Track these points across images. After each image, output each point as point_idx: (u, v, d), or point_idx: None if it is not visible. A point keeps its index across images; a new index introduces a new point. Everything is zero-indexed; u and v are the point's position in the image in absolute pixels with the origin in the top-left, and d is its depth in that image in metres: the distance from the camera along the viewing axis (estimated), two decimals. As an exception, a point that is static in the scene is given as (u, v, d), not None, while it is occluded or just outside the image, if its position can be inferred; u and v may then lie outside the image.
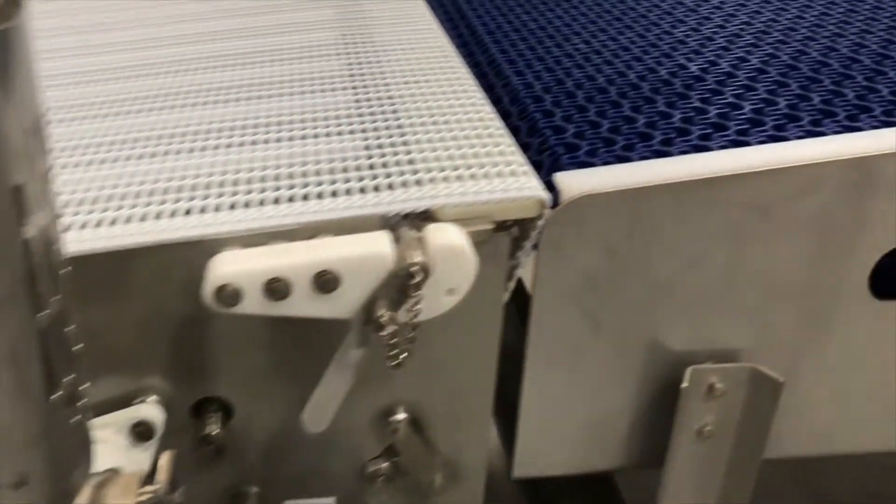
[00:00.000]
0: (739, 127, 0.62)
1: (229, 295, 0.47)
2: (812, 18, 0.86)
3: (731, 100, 0.68)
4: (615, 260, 0.56)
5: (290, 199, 0.54)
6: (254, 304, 0.48)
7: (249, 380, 0.55)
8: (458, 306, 0.52)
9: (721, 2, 0.93)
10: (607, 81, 0.74)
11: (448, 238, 0.49)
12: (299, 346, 0.54)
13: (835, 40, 0.78)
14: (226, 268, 0.48)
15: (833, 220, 0.57)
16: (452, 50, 0.83)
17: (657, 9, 0.94)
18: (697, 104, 0.67)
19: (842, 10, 0.87)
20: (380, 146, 0.63)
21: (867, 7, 0.87)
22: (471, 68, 0.83)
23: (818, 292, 0.59)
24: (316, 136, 0.66)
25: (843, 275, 0.59)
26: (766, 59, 0.76)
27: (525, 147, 0.64)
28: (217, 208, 0.54)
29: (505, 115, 0.71)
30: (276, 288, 0.48)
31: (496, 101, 0.74)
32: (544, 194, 0.53)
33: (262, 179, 0.57)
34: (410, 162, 0.59)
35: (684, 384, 0.58)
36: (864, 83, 0.69)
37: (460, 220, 0.52)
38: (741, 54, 0.78)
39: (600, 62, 0.79)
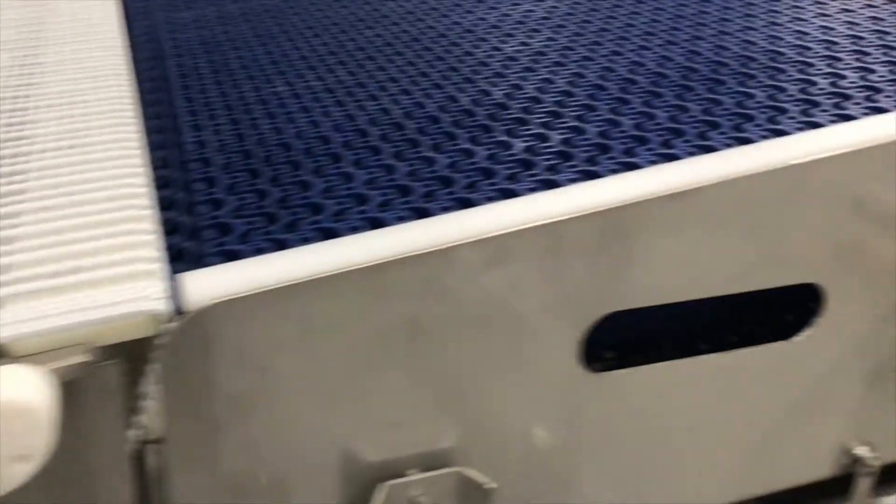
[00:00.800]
0: (428, 189, 0.54)
1: None
2: (504, 61, 0.79)
3: (428, 153, 0.59)
4: (267, 376, 0.45)
5: None
6: None
7: None
8: (61, 463, 0.40)
9: (440, 35, 0.85)
10: (296, 135, 0.63)
11: (4, 391, 0.37)
12: None
13: (544, 87, 0.71)
14: None
15: (526, 295, 0.49)
16: (131, 102, 0.70)
17: (379, 39, 0.85)
18: (390, 161, 0.58)
19: (557, 49, 0.81)
20: (-26, 246, 0.49)
21: (583, 44, 0.82)
22: (152, 121, 0.70)
23: (522, 374, 0.51)
24: None
25: (547, 352, 0.51)
26: (476, 97, 0.68)
27: (175, 228, 0.53)
28: None
29: (167, 184, 0.59)
30: None
31: (163, 166, 0.62)
32: (161, 306, 0.42)
33: None
34: (6, 268, 0.46)
35: (374, 509, 0.48)
36: (573, 123, 0.62)
37: (45, 353, 0.40)
38: (453, 92, 0.69)
39: (296, 109, 0.68)
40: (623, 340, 0.58)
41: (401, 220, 0.50)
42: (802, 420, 0.63)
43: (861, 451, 0.64)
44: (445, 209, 0.51)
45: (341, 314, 0.45)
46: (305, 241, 0.48)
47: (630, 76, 0.69)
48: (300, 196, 0.54)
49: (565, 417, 0.54)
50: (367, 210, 0.51)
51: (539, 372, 0.51)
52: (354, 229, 0.49)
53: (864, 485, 0.65)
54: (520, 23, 0.86)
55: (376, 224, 0.50)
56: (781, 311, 0.62)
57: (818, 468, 0.65)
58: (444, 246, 0.46)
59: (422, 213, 0.50)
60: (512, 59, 0.76)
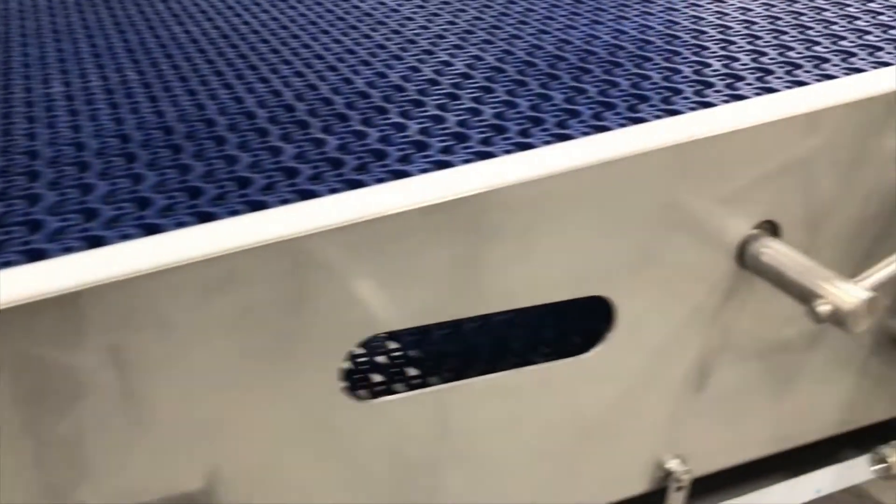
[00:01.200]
0: (221, 191, 0.49)
1: None
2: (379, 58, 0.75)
3: (232, 151, 0.54)
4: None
5: None
6: None
7: None
8: None
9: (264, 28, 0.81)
10: (93, 134, 0.58)
11: None
12: None
13: (375, 82, 0.66)
14: None
15: (264, 321, 0.43)
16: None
17: (186, 35, 0.79)
18: (190, 161, 0.53)
19: (399, 43, 0.77)
20: None
21: (427, 38, 0.77)
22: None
23: (274, 406, 0.46)
24: None
25: (300, 381, 0.46)
26: (302, 92, 0.64)
27: None
28: None
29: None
30: None
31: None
32: None
33: None
34: None
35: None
36: (398, 120, 0.58)
37: None
38: (278, 87, 0.65)
39: (63, 112, 0.62)
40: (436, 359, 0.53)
41: (181, 225, 0.45)
42: (609, 435, 0.58)
43: (672, 464, 0.61)
44: (234, 212, 0.46)
45: (32, 349, 0.39)
46: (65, 251, 0.43)
47: (467, 70, 0.66)
48: (77, 201, 0.48)
49: (332, 449, 0.49)
50: (146, 217, 0.46)
51: (293, 403, 0.46)
52: (125, 238, 0.44)
53: (676, 499, 0.62)
54: (367, 14, 0.82)
55: (153, 231, 0.44)
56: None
57: (632, 484, 0.61)
58: (154, 270, 0.40)
59: (206, 218, 0.46)
60: (351, 52, 0.72)
